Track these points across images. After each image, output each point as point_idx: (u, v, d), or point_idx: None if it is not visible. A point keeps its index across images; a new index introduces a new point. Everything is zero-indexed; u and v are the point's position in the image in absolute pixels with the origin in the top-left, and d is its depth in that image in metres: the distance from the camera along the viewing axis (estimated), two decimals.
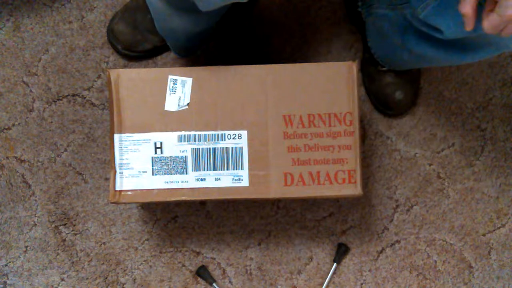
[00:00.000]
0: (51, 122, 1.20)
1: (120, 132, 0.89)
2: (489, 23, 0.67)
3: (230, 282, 1.18)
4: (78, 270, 1.18)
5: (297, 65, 0.91)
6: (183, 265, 1.18)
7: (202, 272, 1.16)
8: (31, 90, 1.20)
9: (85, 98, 1.20)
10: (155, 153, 0.90)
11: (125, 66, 1.21)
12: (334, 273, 1.18)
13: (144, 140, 0.90)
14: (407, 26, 0.93)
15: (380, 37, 1.06)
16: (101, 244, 1.18)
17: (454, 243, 1.20)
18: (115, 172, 0.89)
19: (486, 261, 1.20)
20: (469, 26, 0.71)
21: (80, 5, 1.22)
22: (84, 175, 1.19)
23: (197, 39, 1.10)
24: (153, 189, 0.90)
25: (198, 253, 1.18)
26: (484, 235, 1.20)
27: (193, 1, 0.79)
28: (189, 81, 0.89)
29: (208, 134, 0.90)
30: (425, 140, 1.21)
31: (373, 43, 1.12)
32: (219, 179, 0.90)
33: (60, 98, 1.20)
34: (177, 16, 0.93)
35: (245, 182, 0.90)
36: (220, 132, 0.90)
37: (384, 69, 1.16)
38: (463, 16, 0.70)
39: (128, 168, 0.90)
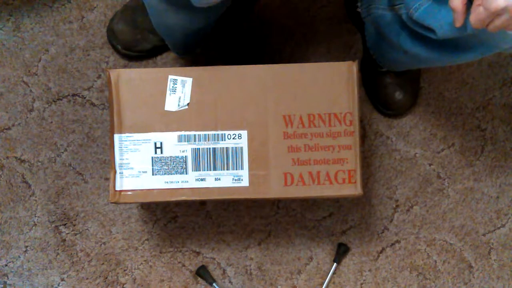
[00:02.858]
0: (51, 122, 1.20)
1: (120, 132, 0.89)
2: (476, 16, 0.68)
3: (230, 282, 1.18)
4: (78, 270, 1.18)
5: (297, 65, 0.91)
6: (183, 265, 1.18)
7: (202, 272, 1.16)
8: (31, 90, 1.20)
9: (85, 98, 1.20)
10: (155, 153, 0.90)
11: (125, 66, 1.21)
12: (334, 273, 1.18)
13: (144, 140, 0.90)
14: (402, 27, 0.94)
15: (378, 37, 1.07)
16: (101, 244, 1.18)
17: (454, 243, 1.20)
18: (115, 172, 0.89)
19: (486, 261, 1.20)
20: (458, 21, 0.71)
21: (80, 5, 1.22)
22: (84, 175, 1.19)
23: (195, 37, 1.10)
24: (153, 189, 0.90)
25: (198, 253, 1.18)
26: (484, 235, 1.20)
27: None
28: (189, 81, 0.89)
29: (208, 134, 0.90)
30: (425, 140, 1.21)
31: (372, 44, 1.12)
32: (219, 179, 0.90)
33: (60, 98, 1.20)
34: (173, 12, 0.93)
35: (245, 182, 0.90)
36: (220, 132, 0.90)
37: (383, 69, 1.16)
38: (452, 10, 0.71)
39: (128, 168, 0.90)
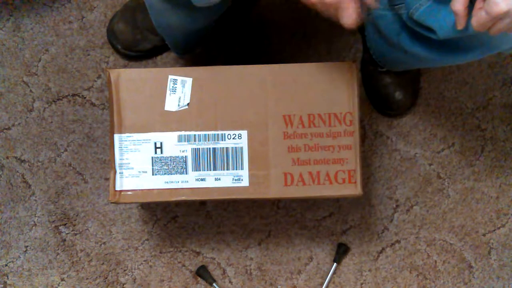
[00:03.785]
0: (51, 122, 1.20)
1: (120, 132, 0.89)
2: (478, 20, 0.68)
3: (230, 282, 1.18)
4: (78, 270, 1.18)
5: (297, 65, 0.91)
6: (183, 265, 1.18)
7: (202, 272, 1.17)
8: (31, 90, 1.20)
9: (85, 98, 1.20)
10: (155, 153, 0.90)
11: (125, 66, 1.21)
12: (334, 273, 1.18)
13: (144, 140, 0.90)
14: (402, 27, 0.94)
15: (378, 37, 1.07)
16: (101, 244, 1.18)
17: (454, 243, 1.20)
18: (115, 172, 0.89)
19: (486, 261, 1.20)
20: (460, 24, 0.71)
21: (80, 5, 1.22)
22: (84, 175, 1.19)
23: (195, 37, 1.10)
24: (153, 189, 0.90)
25: (198, 253, 1.18)
26: (484, 235, 1.20)
27: None
28: (189, 81, 0.89)
29: (208, 134, 0.90)
30: (425, 140, 1.21)
31: (372, 43, 1.12)
32: (219, 179, 0.90)
33: (60, 98, 1.20)
34: (173, 12, 0.93)
35: (245, 182, 0.90)
36: (220, 132, 0.90)
37: (383, 69, 1.16)
38: (454, 13, 0.71)
39: (128, 168, 0.90)
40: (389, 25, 0.97)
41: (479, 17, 0.68)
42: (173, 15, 0.94)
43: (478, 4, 0.68)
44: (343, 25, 0.70)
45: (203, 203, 1.19)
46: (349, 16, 0.69)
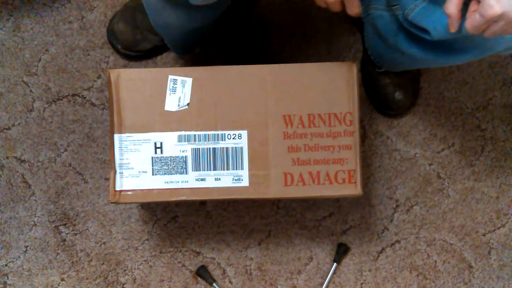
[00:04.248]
0: (51, 122, 1.20)
1: (120, 132, 0.89)
2: (471, 23, 0.68)
3: (230, 282, 1.18)
4: (78, 270, 1.18)
5: (297, 65, 0.91)
6: (183, 265, 1.18)
7: (202, 272, 1.17)
8: (31, 90, 1.21)
9: (85, 98, 1.20)
10: (155, 153, 0.90)
11: (125, 66, 1.21)
12: (334, 273, 1.18)
13: (144, 140, 0.90)
14: (399, 28, 0.94)
15: (376, 37, 1.07)
16: (101, 244, 1.19)
17: (454, 243, 1.20)
18: (115, 172, 0.89)
19: (486, 261, 1.20)
20: (453, 27, 0.71)
21: (80, 5, 1.22)
22: (84, 175, 1.19)
23: (193, 36, 1.10)
24: (153, 189, 0.90)
25: (198, 253, 1.18)
26: (484, 235, 1.20)
27: None
28: (189, 81, 0.89)
29: (208, 134, 0.90)
30: (425, 140, 1.21)
31: (370, 44, 1.12)
32: (219, 179, 0.90)
33: (60, 98, 1.20)
34: (170, 10, 0.93)
35: (245, 182, 0.90)
36: (220, 132, 0.90)
37: (381, 70, 1.16)
38: (448, 16, 0.71)
39: (128, 168, 0.90)
40: (386, 26, 0.98)
41: (473, 19, 0.68)
42: (171, 14, 0.94)
43: (472, 7, 0.68)
44: (350, 15, 0.79)
45: (203, 203, 1.19)
46: (353, 8, 0.78)
